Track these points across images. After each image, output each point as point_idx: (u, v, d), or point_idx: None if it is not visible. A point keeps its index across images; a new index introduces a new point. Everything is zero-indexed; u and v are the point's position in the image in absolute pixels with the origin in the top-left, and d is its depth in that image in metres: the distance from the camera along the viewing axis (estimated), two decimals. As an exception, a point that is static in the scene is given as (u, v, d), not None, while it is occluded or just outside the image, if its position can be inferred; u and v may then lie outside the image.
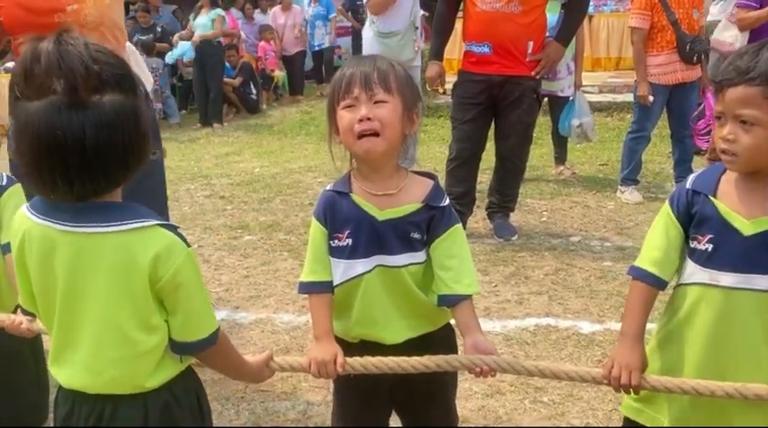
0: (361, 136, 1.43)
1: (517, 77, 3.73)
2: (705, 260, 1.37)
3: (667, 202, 1.45)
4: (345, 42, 11.12)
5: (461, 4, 3.86)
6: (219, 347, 1.26)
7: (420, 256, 1.50)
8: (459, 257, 1.50)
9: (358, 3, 10.31)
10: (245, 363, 1.41)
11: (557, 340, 2.77)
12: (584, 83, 5.50)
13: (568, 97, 5.14)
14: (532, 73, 3.77)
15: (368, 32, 4.27)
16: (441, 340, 1.59)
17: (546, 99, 4.95)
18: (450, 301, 1.49)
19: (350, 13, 10.94)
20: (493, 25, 3.67)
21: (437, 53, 3.98)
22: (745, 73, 1.26)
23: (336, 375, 1.48)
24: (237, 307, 3.21)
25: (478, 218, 4.24)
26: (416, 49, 4.29)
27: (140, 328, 1.16)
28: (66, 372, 1.20)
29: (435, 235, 1.50)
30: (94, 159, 1.07)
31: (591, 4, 9.20)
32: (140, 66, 2.73)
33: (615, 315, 2.94)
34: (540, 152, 5.90)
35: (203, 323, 1.22)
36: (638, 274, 1.45)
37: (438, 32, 4.01)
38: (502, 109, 3.81)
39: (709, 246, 1.36)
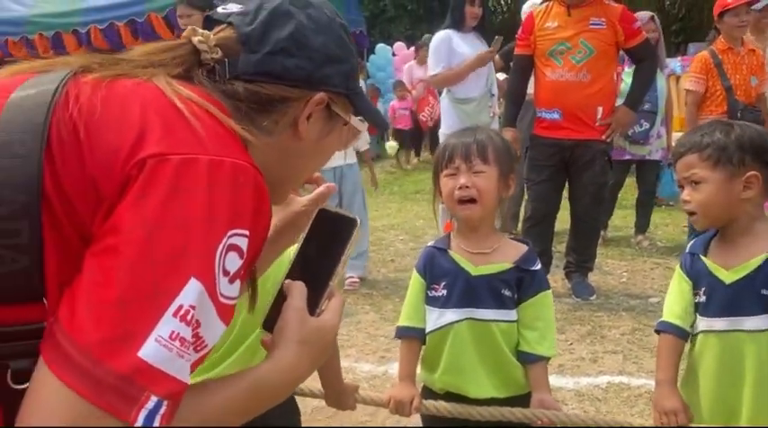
0: (460, 201, 1.62)
1: (587, 141, 3.85)
2: (703, 310, 1.58)
3: (679, 264, 1.68)
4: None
5: (532, 73, 4.05)
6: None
7: (511, 315, 1.64)
8: (545, 320, 1.66)
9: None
10: (342, 378, 1.65)
11: (628, 397, 2.80)
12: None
13: (658, 161, 5.23)
14: (603, 137, 3.89)
15: (445, 100, 4.50)
16: (526, 406, 1.65)
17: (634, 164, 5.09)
18: (529, 359, 1.64)
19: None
20: (562, 93, 3.83)
21: (511, 120, 4.13)
22: (683, 146, 1.58)
23: (410, 415, 1.66)
24: (321, 356, 3.41)
25: (557, 278, 4.29)
26: (492, 114, 4.46)
27: None
28: None
29: (526, 296, 1.64)
30: None
31: (678, 65, 9.24)
32: None
33: (691, 375, 2.94)
34: (623, 213, 5.87)
35: None
36: (664, 327, 1.63)
37: (511, 100, 4.19)
38: (574, 171, 3.94)
39: (704, 298, 1.58)
